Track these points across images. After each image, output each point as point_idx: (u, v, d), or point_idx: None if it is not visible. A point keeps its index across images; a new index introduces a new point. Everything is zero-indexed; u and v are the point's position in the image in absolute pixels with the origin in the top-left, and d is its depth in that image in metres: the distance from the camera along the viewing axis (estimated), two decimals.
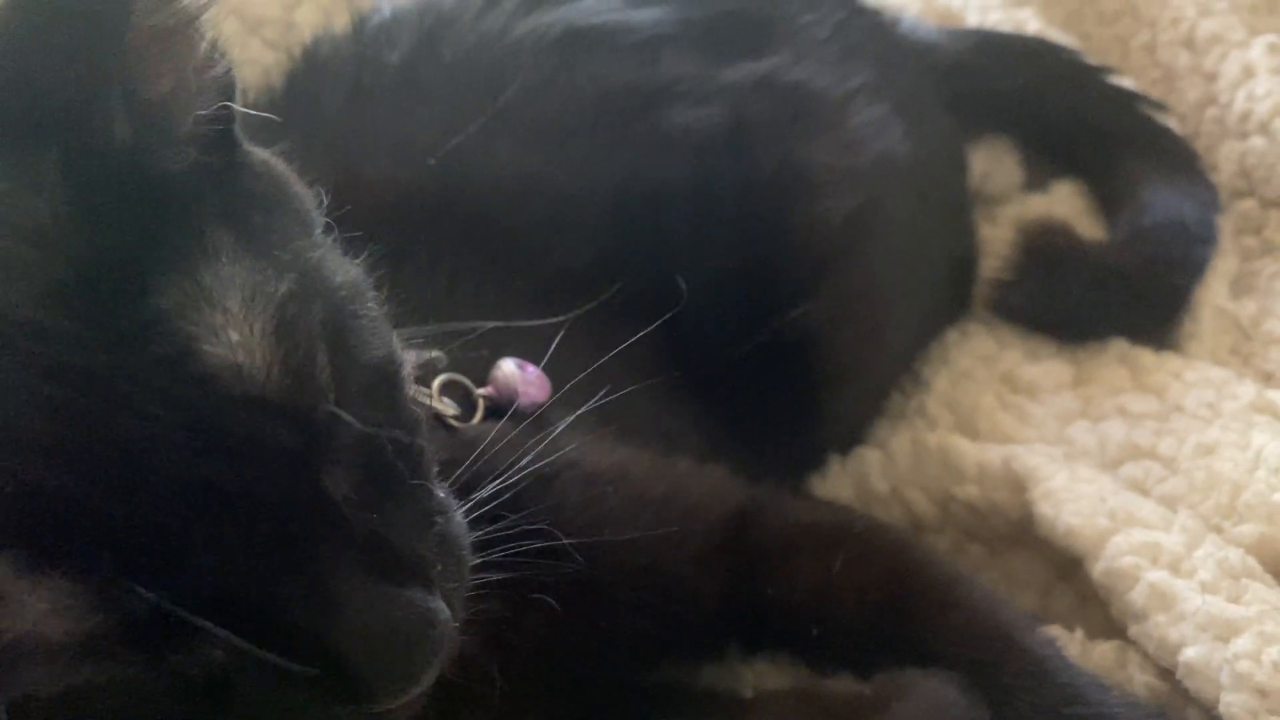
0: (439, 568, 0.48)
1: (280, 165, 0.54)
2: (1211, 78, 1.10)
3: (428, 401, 0.65)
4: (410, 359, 0.62)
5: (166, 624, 0.41)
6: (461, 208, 0.77)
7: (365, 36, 0.89)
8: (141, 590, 0.39)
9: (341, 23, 0.99)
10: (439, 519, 0.50)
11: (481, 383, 0.71)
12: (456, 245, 0.76)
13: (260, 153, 0.53)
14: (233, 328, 0.42)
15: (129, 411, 0.40)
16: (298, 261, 0.47)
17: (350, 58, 0.87)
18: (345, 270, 0.51)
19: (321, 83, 0.84)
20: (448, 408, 0.67)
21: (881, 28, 1.04)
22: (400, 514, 0.48)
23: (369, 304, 0.52)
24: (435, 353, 0.67)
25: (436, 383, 0.67)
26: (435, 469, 0.53)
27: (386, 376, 0.50)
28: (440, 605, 0.45)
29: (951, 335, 0.99)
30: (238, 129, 0.50)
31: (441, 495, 0.52)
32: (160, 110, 0.46)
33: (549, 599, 0.62)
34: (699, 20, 0.91)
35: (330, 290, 0.49)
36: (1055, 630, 0.74)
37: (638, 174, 0.85)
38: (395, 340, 0.53)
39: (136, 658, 0.41)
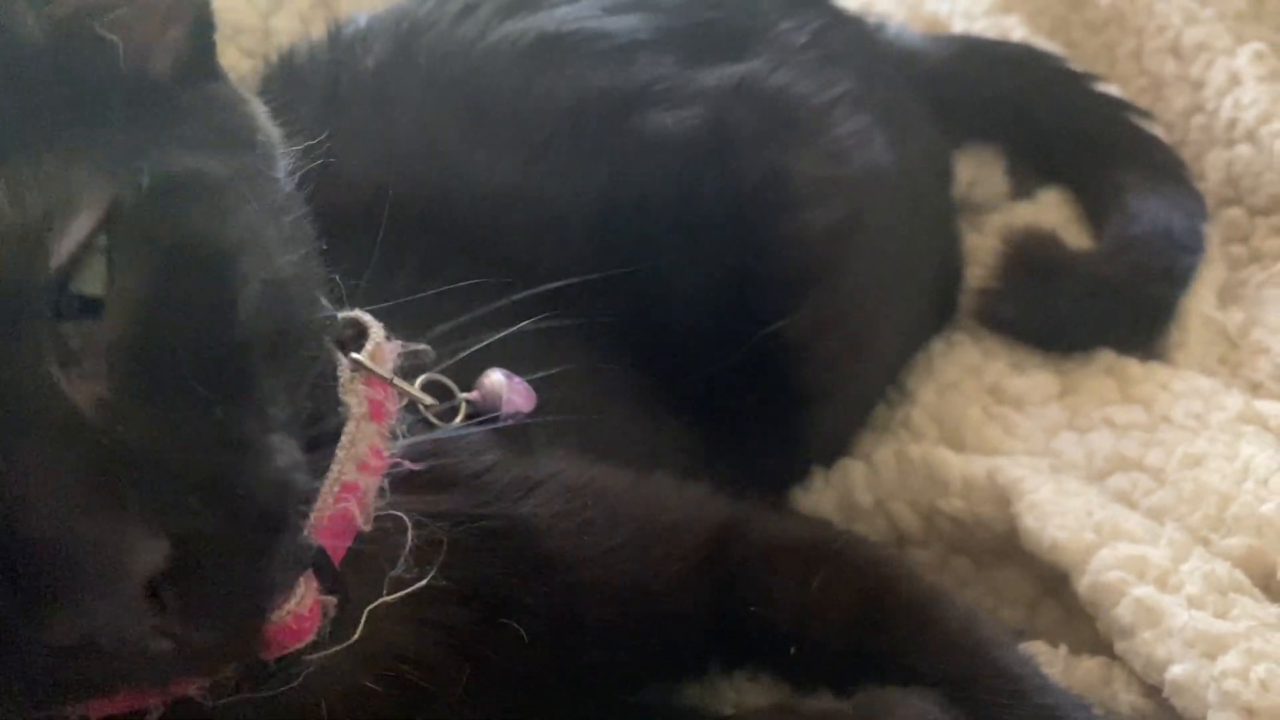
0: (195, 503, 0.43)
1: None
2: (1198, 85, 1.09)
3: (413, 394, 0.63)
4: (395, 347, 0.62)
5: None
6: (444, 215, 0.76)
7: (341, 43, 0.88)
8: None
9: (318, 31, 0.99)
10: (233, 454, 0.46)
11: (467, 390, 0.70)
12: (442, 254, 0.75)
13: None
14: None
15: None
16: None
17: (326, 64, 0.86)
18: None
19: (297, 89, 0.83)
20: (426, 399, 0.65)
21: (863, 35, 1.03)
22: (173, 428, 0.44)
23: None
24: (423, 346, 0.66)
25: (421, 379, 0.66)
26: (254, 407, 0.48)
27: (206, 268, 0.47)
28: (148, 544, 0.41)
29: (937, 346, 0.98)
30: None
31: (261, 431, 0.48)
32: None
33: (519, 626, 0.61)
34: (676, 27, 0.90)
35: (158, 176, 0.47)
36: (1039, 646, 0.73)
37: (618, 181, 0.84)
38: (240, 233, 0.49)
39: None
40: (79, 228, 0.43)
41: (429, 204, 0.79)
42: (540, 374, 0.70)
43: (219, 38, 0.96)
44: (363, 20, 0.90)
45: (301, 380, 0.53)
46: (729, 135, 0.86)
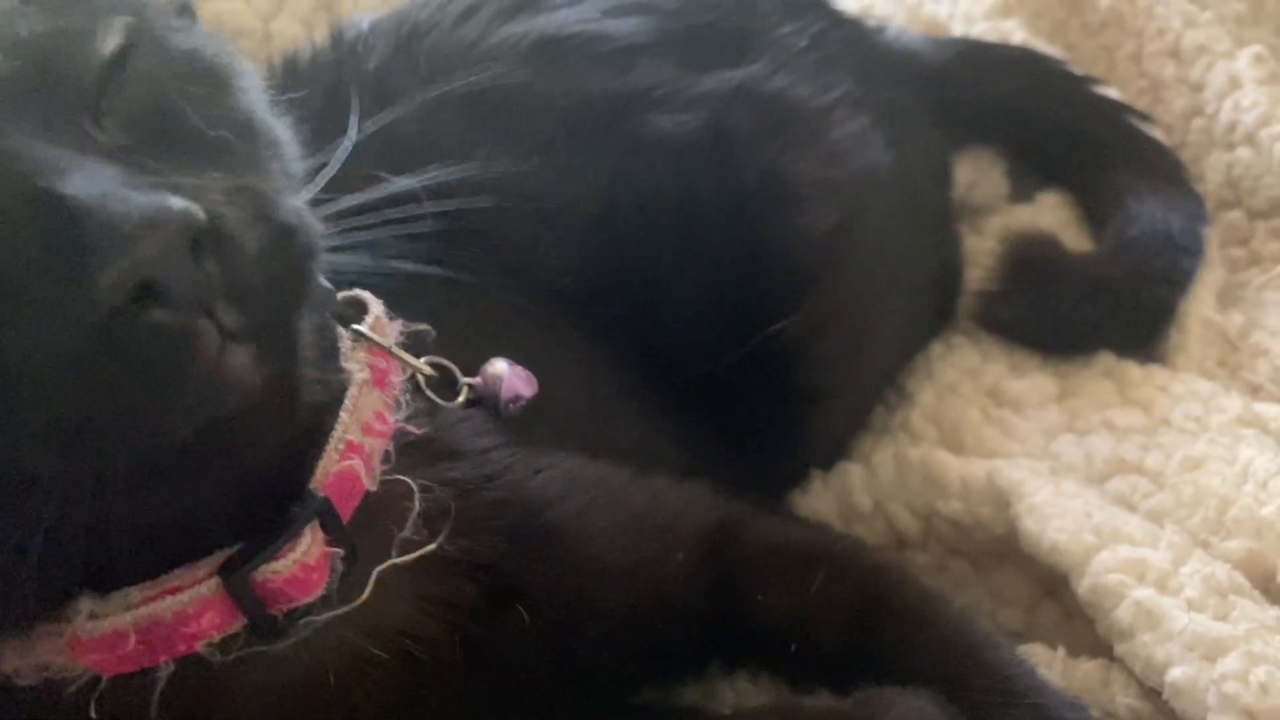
0: (221, 201, 0.47)
1: None
2: (1198, 88, 1.10)
3: (411, 362, 0.64)
4: (397, 325, 0.63)
5: None
6: (444, 213, 0.77)
7: (343, 46, 0.89)
8: None
9: (319, 34, 0.99)
10: (249, 179, 0.50)
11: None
12: (442, 251, 0.76)
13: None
14: None
15: None
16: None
17: (329, 65, 0.87)
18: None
19: (301, 91, 0.83)
20: (426, 369, 0.66)
21: (863, 38, 1.03)
22: (190, 160, 0.49)
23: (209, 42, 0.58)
24: (424, 326, 0.66)
25: (423, 360, 0.66)
26: (270, 163, 0.55)
27: (200, 64, 0.55)
28: (181, 201, 0.44)
29: (936, 348, 0.98)
30: None
31: (278, 185, 0.54)
32: None
33: (523, 608, 0.62)
34: (676, 30, 0.91)
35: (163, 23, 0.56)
36: (1037, 648, 0.74)
37: (619, 182, 0.84)
38: (231, 62, 0.58)
39: None
40: (114, 31, 0.51)
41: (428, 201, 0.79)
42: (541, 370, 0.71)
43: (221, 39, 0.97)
44: (365, 23, 0.90)
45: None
46: (728, 138, 0.87)
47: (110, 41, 0.50)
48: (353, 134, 0.63)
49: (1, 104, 0.46)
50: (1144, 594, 0.69)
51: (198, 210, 0.44)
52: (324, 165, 0.60)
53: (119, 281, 0.42)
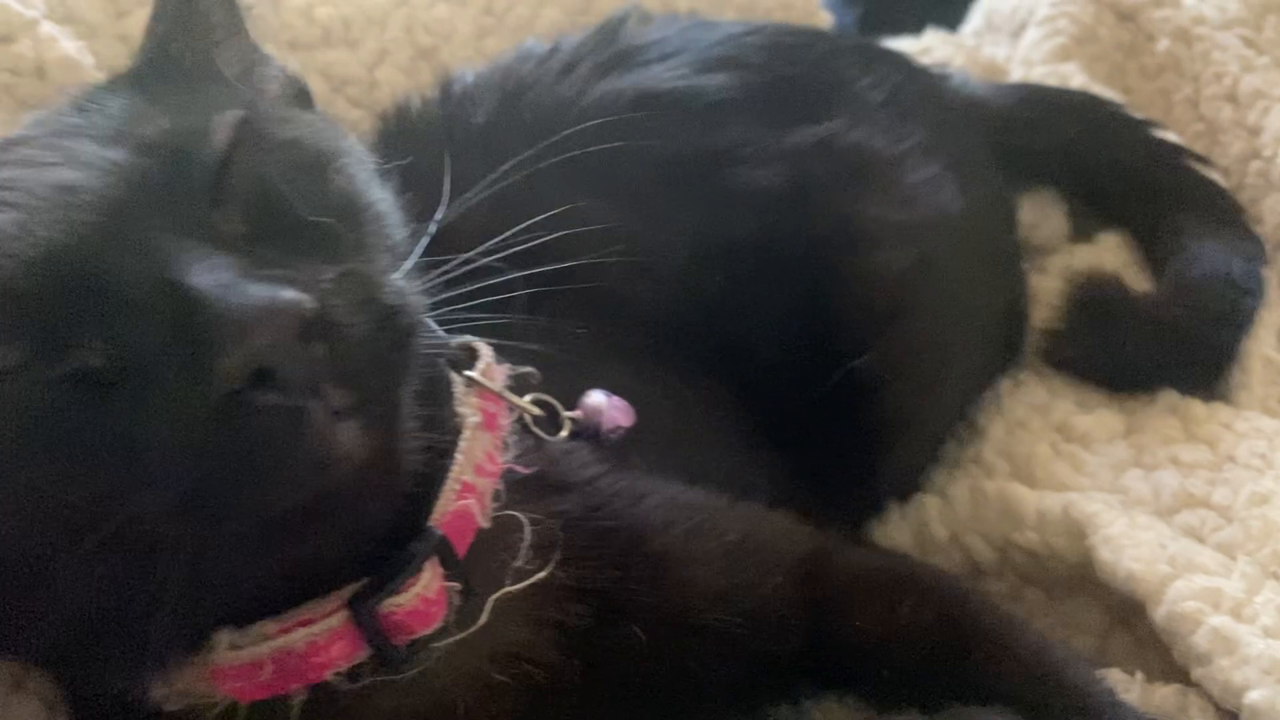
0: (330, 289, 0.51)
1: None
2: (1255, 132, 1.12)
3: (519, 404, 0.70)
4: (504, 369, 0.68)
5: (43, 332, 0.48)
6: (551, 259, 0.82)
7: (451, 100, 0.94)
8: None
9: (420, 81, 1.04)
10: (355, 264, 0.54)
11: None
12: (546, 294, 0.80)
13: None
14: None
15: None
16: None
17: (438, 120, 0.92)
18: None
19: (412, 144, 0.88)
20: (534, 409, 0.71)
21: (934, 87, 1.07)
22: (299, 248, 0.54)
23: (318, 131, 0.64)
24: (529, 369, 0.71)
25: (528, 397, 0.71)
26: (374, 246, 0.59)
27: (303, 153, 0.60)
28: (293, 291, 0.48)
29: (1005, 384, 1.02)
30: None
31: (382, 266, 0.57)
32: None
33: (636, 628, 0.66)
34: (762, 85, 0.95)
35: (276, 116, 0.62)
36: (1115, 674, 0.76)
37: (707, 231, 0.88)
38: (333, 145, 0.63)
39: (23, 362, 0.48)
40: (225, 127, 0.56)
41: (533, 251, 0.84)
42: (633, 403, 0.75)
43: (328, 88, 1.03)
44: (470, 77, 0.96)
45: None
46: (807, 188, 0.91)
47: (221, 137, 0.55)
48: (443, 208, 0.67)
49: (135, 199, 0.51)
50: (1220, 621, 0.71)
51: (308, 300, 0.48)
52: (429, 222, 0.65)
53: (236, 368, 0.46)
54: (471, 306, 0.62)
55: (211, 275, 0.48)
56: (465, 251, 0.66)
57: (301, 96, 0.72)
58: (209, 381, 0.46)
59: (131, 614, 0.51)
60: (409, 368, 0.55)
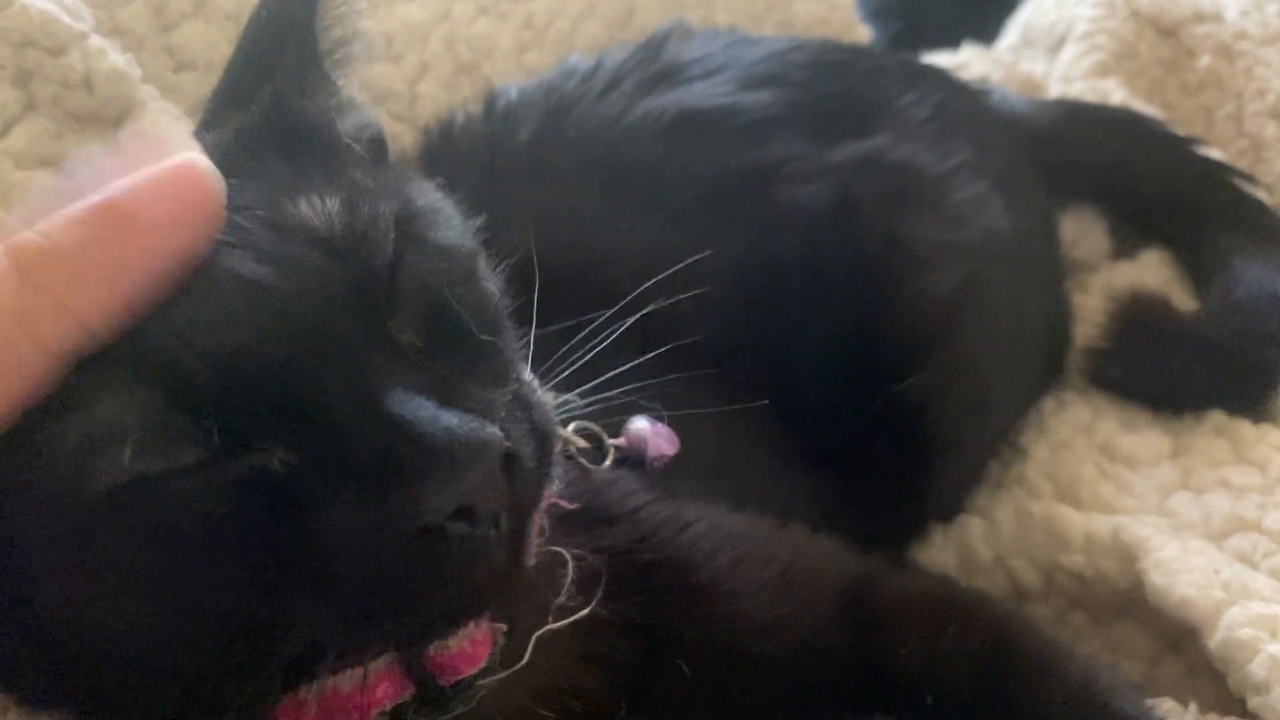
0: (505, 416, 0.51)
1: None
2: None
3: (565, 435, 0.69)
4: (549, 398, 0.66)
5: (224, 433, 0.46)
6: (595, 277, 0.81)
7: (495, 116, 0.94)
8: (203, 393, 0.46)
9: (461, 95, 1.04)
10: (515, 384, 0.55)
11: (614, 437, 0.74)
12: (589, 313, 0.80)
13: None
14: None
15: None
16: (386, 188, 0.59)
17: (483, 136, 0.92)
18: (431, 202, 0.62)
19: (457, 159, 0.88)
20: (579, 440, 0.71)
21: (978, 104, 1.07)
22: (471, 365, 0.53)
23: (446, 220, 0.61)
24: (570, 395, 0.71)
25: (571, 426, 0.71)
26: (516, 354, 0.59)
27: (459, 260, 0.58)
28: (494, 429, 0.48)
29: (1048, 404, 1.01)
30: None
31: (525, 375, 0.57)
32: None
33: (681, 663, 0.65)
34: (806, 102, 0.95)
35: (412, 205, 0.59)
36: (1168, 703, 0.75)
37: (752, 249, 0.88)
38: (472, 244, 0.61)
39: (197, 464, 0.46)
40: (388, 236, 0.54)
41: (577, 268, 0.83)
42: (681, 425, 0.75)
43: (370, 102, 1.03)
44: (513, 93, 0.96)
45: None
46: (853, 206, 0.90)
47: (388, 244, 0.54)
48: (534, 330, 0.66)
49: (323, 306, 0.49)
50: (1278, 649, 0.70)
51: (503, 439, 0.48)
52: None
53: (444, 505, 0.46)
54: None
55: (412, 402, 0.48)
56: (505, 267, 0.66)
57: (377, 146, 0.68)
58: (411, 511, 0.46)
59: (221, 694, 0.51)
60: (550, 481, 0.56)
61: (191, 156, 0.49)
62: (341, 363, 0.48)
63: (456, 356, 0.53)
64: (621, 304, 0.84)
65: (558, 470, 0.66)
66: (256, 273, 0.49)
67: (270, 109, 0.59)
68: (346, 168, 0.59)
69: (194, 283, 0.48)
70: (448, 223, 0.61)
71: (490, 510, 0.48)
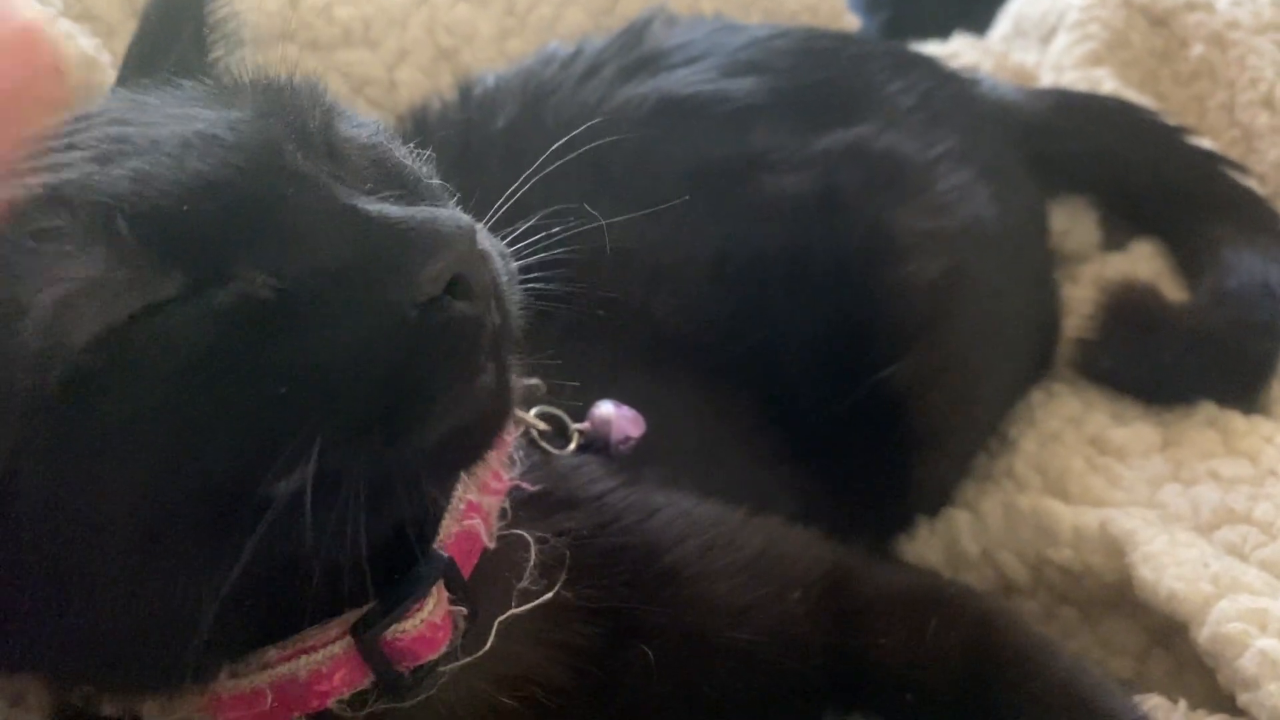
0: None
1: None
2: None
3: (526, 419, 0.68)
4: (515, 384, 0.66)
5: (200, 261, 0.47)
6: (567, 266, 0.80)
7: (472, 103, 0.92)
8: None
9: (440, 83, 1.03)
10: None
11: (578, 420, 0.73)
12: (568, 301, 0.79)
13: None
14: None
15: None
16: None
17: (458, 124, 0.90)
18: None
19: (432, 147, 0.87)
20: (540, 424, 0.69)
21: (966, 93, 1.05)
22: (420, 201, 0.54)
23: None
24: (534, 380, 0.69)
25: (534, 410, 0.70)
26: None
27: (383, 132, 0.60)
28: (466, 217, 0.50)
29: (1037, 396, 1.00)
30: None
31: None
32: None
33: (647, 648, 0.64)
34: (790, 89, 0.93)
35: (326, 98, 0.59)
36: (1155, 699, 0.74)
37: (734, 239, 0.87)
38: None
39: (180, 293, 0.46)
40: (312, 104, 0.56)
41: (553, 257, 0.82)
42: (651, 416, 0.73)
43: (348, 89, 1.01)
44: (490, 80, 0.94)
45: None
46: (837, 194, 0.89)
47: (316, 111, 0.55)
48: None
49: (274, 147, 0.51)
50: (1268, 644, 0.69)
51: (474, 224, 0.50)
52: None
53: (439, 274, 0.47)
54: None
55: (381, 205, 0.49)
56: None
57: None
58: (410, 291, 0.46)
59: (182, 615, 0.49)
60: (514, 337, 0.55)
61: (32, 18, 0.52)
62: (304, 181, 0.49)
63: (406, 197, 0.54)
64: (597, 294, 0.84)
65: (519, 453, 0.65)
66: (204, 130, 0.50)
67: (177, 69, 0.60)
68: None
69: (133, 146, 0.49)
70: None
71: (482, 282, 0.49)
